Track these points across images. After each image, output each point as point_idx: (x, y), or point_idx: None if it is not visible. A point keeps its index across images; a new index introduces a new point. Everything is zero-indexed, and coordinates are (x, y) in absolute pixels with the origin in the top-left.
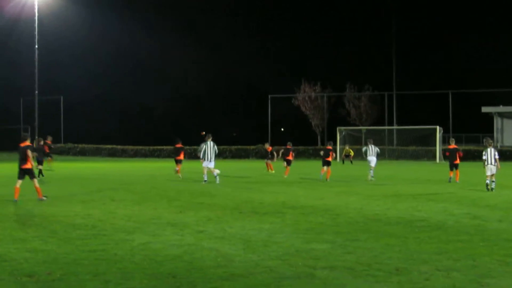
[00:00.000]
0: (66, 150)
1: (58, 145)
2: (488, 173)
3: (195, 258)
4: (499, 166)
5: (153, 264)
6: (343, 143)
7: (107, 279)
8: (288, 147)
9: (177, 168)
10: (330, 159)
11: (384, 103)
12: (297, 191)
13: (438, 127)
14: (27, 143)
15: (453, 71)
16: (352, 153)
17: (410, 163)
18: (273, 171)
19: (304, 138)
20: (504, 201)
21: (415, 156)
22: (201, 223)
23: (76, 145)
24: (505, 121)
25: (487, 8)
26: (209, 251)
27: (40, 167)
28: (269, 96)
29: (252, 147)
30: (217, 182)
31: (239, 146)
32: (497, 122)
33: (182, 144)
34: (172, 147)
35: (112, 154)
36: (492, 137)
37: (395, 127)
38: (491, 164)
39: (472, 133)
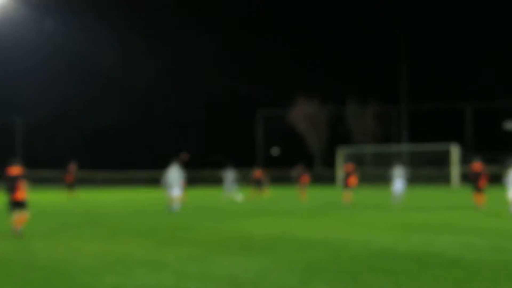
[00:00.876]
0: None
1: None
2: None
3: None
4: None
5: None
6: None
7: None
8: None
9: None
10: (353, 182)
11: (391, 119)
12: (293, 222)
13: (454, 144)
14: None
15: (471, 81)
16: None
17: (423, 188)
18: (265, 195)
19: (298, 160)
20: None
21: (429, 180)
22: (181, 261)
23: (34, 171)
24: None
25: (505, 11)
26: None
27: None
28: (257, 112)
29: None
30: (173, 210)
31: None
32: None
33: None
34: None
35: (78, 181)
36: None
37: (405, 146)
38: None
39: (492, 151)
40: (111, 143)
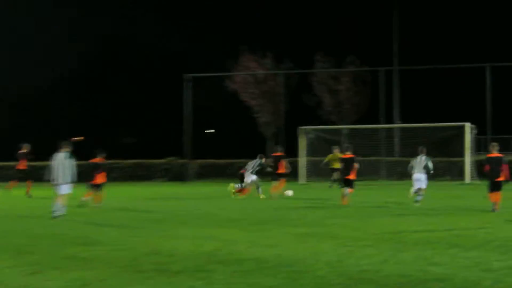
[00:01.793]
0: None
1: None
2: None
3: None
4: None
5: None
6: (313, 151)
7: None
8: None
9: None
10: (352, 176)
11: (378, 86)
12: (234, 234)
13: (468, 124)
14: None
15: (490, 35)
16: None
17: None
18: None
19: (246, 145)
20: None
21: (439, 172)
22: None
23: None
24: None
25: None
26: None
27: None
28: (187, 75)
29: (160, 161)
30: (56, 214)
31: (138, 160)
32: None
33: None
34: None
35: None
36: None
37: (397, 125)
38: None
39: None
40: None
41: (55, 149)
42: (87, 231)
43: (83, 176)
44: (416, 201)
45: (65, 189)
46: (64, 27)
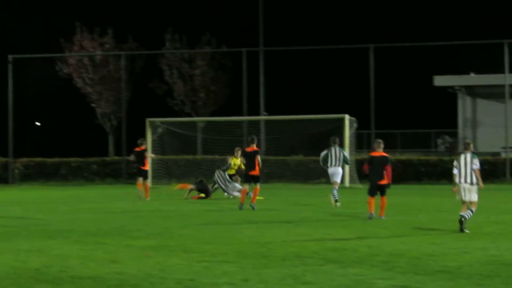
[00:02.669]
0: None
1: None
2: (464, 198)
3: None
4: (481, 185)
5: None
6: (163, 148)
7: None
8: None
9: None
10: (257, 171)
11: (240, 71)
12: (66, 248)
13: (347, 116)
14: None
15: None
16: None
17: (295, 188)
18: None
19: (82, 141)
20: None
21: (304, 175)
22: None
23: None
24: (481, 103)
25: None
26: None
27: None
28: (9, 56)
29: None
30: None
31: None
32: (464, 104)
33: None
34: None
35: None
36: (451, 135)
37: (263, 117)
38: (466, 182)
39: (414, 128)
40: None
41: None
42: None
43: None
44: (336, 201)
45: None
46: None
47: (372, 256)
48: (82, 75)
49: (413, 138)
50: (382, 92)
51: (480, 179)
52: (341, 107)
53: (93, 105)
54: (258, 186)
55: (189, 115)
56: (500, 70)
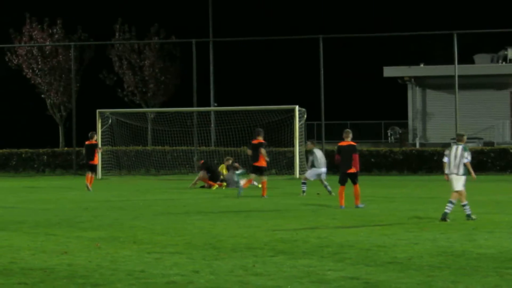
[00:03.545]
0: None
1: None
2: (456, 187)
3: None
4: (473, 176)
5: None
6: (113, 139)
7: None
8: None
9: None
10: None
11: (191, 60)
12: (15, 239)
13: (297, 107)
14: None
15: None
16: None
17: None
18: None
19: (33, 132)
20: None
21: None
22: None
23: None
24: (431, 94)
25: None
26: None
27: None
28: None
29: None
30: None
31: None
32: (413, 95)
33: None
34: None
35: None
36: (402, 126)
37: (213, 108)
38: (454, 172)
39: (364, 119)
40: None
41: None
42: None
43: None
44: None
45: None
46: None
47: (322, 247)
48: (31, 66)
49: (363, 129)
50: (332, 83)
51: (472, 171)
52: (291, 98)
53: (43, 96)
54: (264, 178)
55: (139, 106)
56: (450, 61)
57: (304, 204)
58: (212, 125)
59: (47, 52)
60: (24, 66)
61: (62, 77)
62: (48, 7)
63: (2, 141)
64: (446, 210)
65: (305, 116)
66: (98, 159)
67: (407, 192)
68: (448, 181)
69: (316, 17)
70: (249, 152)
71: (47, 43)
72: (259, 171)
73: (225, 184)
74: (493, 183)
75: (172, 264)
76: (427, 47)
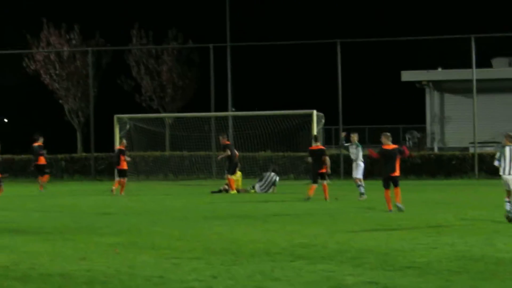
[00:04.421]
0: None
1: None
2: (508, 188)
3: None
4: None
5: None
6: (131, 145)
7: None
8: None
9: None
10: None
11: (209, 65)
12: (34, 245)
13: (315, 112)
14: None
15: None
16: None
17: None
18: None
19: (51, 137)
20: None
21: (282, 169)
22: None
23: None
24: (449, 98)
25: None
26: None
27: None
28: None
29: None
30: None
31: None
32: (431, 99)
33: None
34: None
35: None
36: (420, 131)
37: (230, 113)
38: (510, 174)
39: (382, 124)
40: None
41: None
42: None
43: None
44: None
45: None
46: None
47: (341, 252)
48: (49, 71)
49: (381, 134)
50: (349, 88)
51: None
52: (309, 103)
53: (60, 101)
54: (325, 182)
55: (157, 111)
56: (468, 65)
57: (322, 209)
58: (230, 130)
59: (65, 57)
60: (41, 72)
61: (80, 82)
62: (65, 13)
63: (20, 147)
64: (507, 208)
65: (323, 120)
66: (125, 164)
67: (425, 196)
68: (504, 183)
69: (333, 21)
70: (310, 159)
71: (65, 48)
72: (323, 176)
73: (253, 190)
74: None
75: (190, 270)
76: (445, 51)
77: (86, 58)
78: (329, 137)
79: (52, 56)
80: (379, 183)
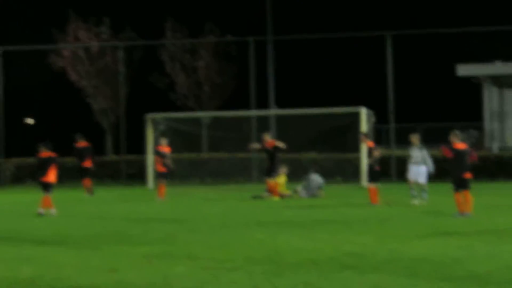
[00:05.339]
0: None
1: None
2: None
3: None
4: None
5: None
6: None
7: None
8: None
9: None
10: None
11: (247, 62)
12: (60, 255)
13: (364, 110)
14: None
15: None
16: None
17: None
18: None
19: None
20: None
21: (328, 172)
22: None
23: None
24: (509, 94)
25: None
26: None
27: None
28: None
29: None
30: None
31: None
32: (490, 96)
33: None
34: None
35: None
36: (477, 129)
37: (273, 111)
38: None
39: (436, 121)
40: None
41: None
42: None
43: None
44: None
45: None
46: None
47: (393, 262)
48: (76, 68)
49: (435, 132)
50: (401, 84)
51: None
52: (357, 100)
53: (88, 100)
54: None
55: (192, 110)
56: None
57: (372, 215)
58: (272, 130)
59: (94, 53)
60: (68, 69)
61: (110, 80)
62: (93, 5)
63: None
64: None
65: (373, 119)
66: (166, 168)
67: (485, 200)
68: None
69: (383, 12)
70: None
71: (94, 43)
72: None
73: (295, 195)
74: None
75: (229, 281)
76: (504, 43)
77: (116, 53)
78: (379, 137)
79: (80, 52)
80: (431, 186)
